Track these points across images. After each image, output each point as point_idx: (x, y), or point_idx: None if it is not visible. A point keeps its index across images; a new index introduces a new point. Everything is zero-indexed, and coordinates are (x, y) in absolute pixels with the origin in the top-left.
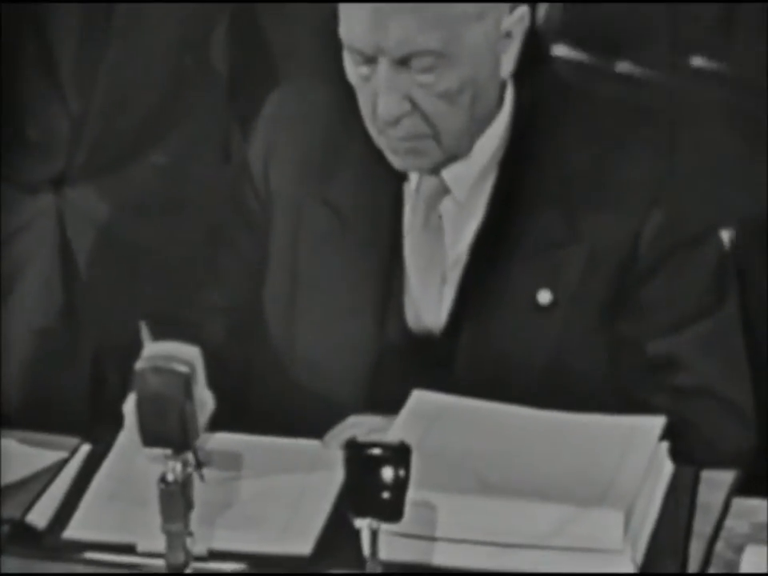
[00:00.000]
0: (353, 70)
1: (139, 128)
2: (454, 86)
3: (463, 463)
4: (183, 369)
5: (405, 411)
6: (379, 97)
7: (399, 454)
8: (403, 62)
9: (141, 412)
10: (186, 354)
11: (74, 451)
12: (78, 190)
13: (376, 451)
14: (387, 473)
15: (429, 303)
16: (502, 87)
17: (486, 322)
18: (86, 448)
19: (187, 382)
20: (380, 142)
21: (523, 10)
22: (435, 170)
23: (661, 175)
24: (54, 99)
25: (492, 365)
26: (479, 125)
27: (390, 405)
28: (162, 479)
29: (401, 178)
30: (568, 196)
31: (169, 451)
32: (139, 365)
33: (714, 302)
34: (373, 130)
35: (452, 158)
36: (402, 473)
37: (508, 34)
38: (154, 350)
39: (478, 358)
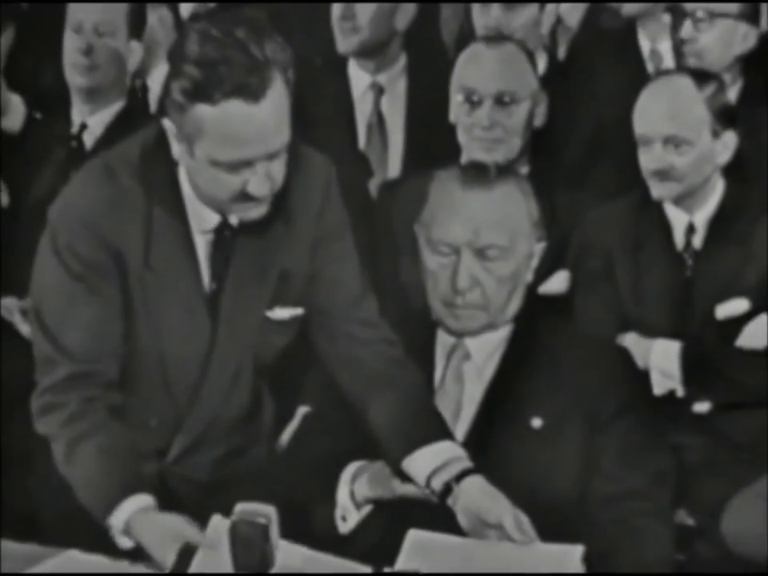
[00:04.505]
0: (435, 260)
1: None
2: (506, 273)
3: None
4: (263, 521)
5: (404, 549)
6: (458, 274)
7: None
8: (479, 252)
9: (233, 550)
10: (265, 511)
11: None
12: None
13: None
14: None
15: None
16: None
17: (492, 444)
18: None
19: (265, 530)
20: (442, 311)
21: (543, 245)
22: (476, 332)
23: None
24: None
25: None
26: (511, 308)
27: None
28: None
29: (431, 347)
30: (558, 362)
31: None
32: (233, 518)
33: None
34: (437, 303)
35: (488, 326)
36: None
37: (534, 255)
38: (241, 507)
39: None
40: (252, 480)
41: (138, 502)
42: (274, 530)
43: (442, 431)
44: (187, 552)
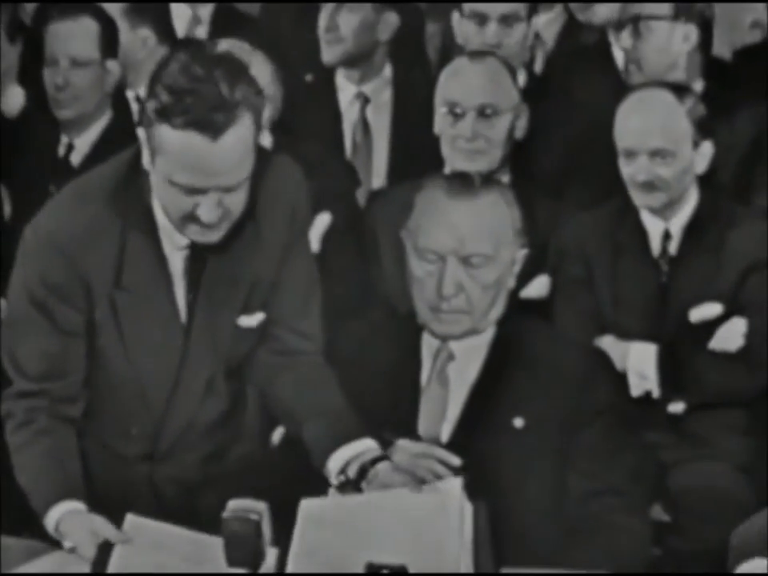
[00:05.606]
0: (421, 267)
1: None
2: (490, 280)
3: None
4: (255, 517)
5: (297, 522)
6: (444, 280)
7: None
8: (464, 259)
9: (226, 544)
10: (257, 507)
11: None
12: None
13: (385, 571)
14: None
15: (435, 428)
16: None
17: (475, 443)
18: None
19: (257, 525)
20: (427, 315)
21: (525, 252)
22: (460, 336)
23: None
24: None
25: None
26: (493, 313)
27: None
28: None
29: (417, 349)
30: (539, 364)
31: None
32: (225, 514)
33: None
34: (423, 308)
35: (472, 331)
36: None
37: (516, 261)
38: (234, 504)
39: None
40: (242, 478)
41: (68, 507)
42: (266, 526)
43: (362, 435)
44: (105, 548)
